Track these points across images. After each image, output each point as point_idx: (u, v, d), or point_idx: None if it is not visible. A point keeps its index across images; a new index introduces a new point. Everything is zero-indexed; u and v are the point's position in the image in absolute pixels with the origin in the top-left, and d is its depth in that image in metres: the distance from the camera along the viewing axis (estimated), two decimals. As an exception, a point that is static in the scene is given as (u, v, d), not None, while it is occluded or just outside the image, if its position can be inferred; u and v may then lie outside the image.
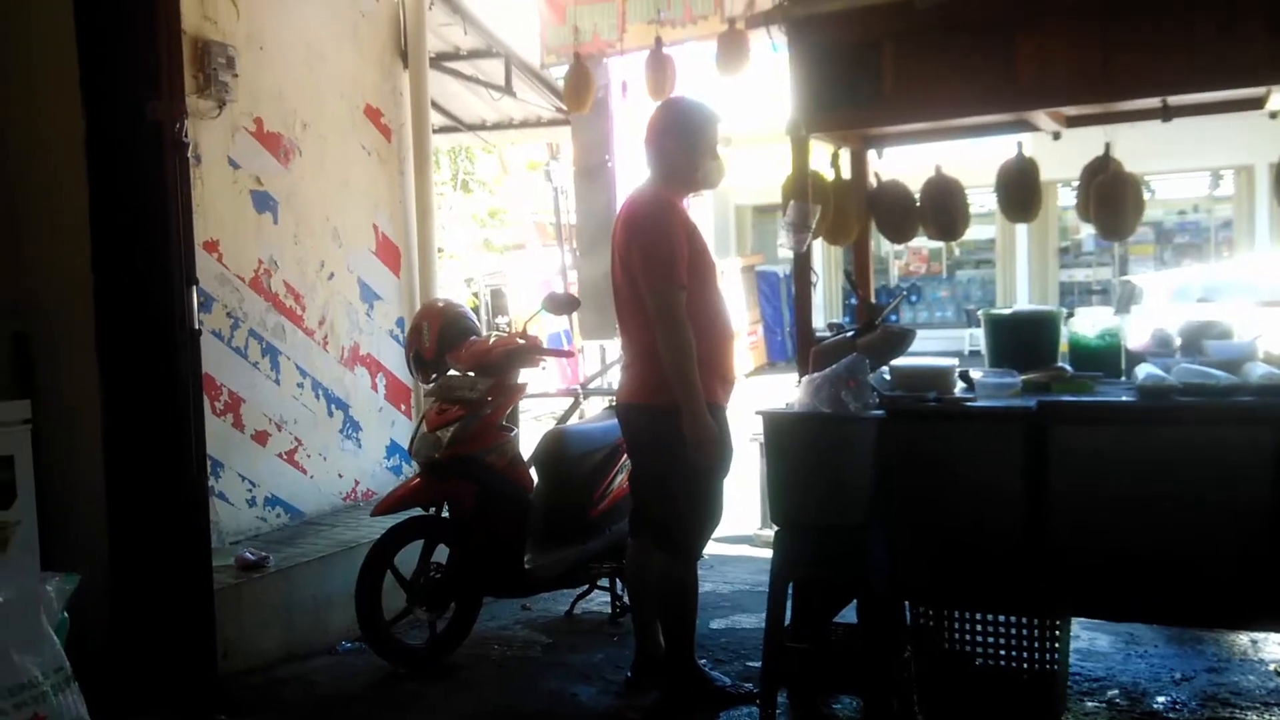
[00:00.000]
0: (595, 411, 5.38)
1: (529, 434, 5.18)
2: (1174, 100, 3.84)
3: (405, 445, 5.40)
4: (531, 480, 4.51)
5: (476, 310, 15.70)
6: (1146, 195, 4.24)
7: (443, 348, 4.48)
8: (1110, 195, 4.12)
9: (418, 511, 4.36)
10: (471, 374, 4.36)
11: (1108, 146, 4.22)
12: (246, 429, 5.14)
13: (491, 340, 4.47)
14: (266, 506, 5.25)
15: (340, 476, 5.74)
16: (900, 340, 4.08)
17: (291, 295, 5.42)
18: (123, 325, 4.00)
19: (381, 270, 6.08)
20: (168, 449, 3.95)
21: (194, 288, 3.98)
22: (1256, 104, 3.93)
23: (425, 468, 4.31)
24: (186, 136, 3.95)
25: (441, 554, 4.31)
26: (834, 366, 3.73)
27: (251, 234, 5.20)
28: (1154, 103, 3.87)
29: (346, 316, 5.80)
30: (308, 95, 5.55)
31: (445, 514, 4.38)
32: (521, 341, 4.44)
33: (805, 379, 3.81)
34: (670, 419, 3.39)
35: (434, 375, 4.56)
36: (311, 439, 5.53)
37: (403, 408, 6.22)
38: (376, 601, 4.17)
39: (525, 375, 4.59)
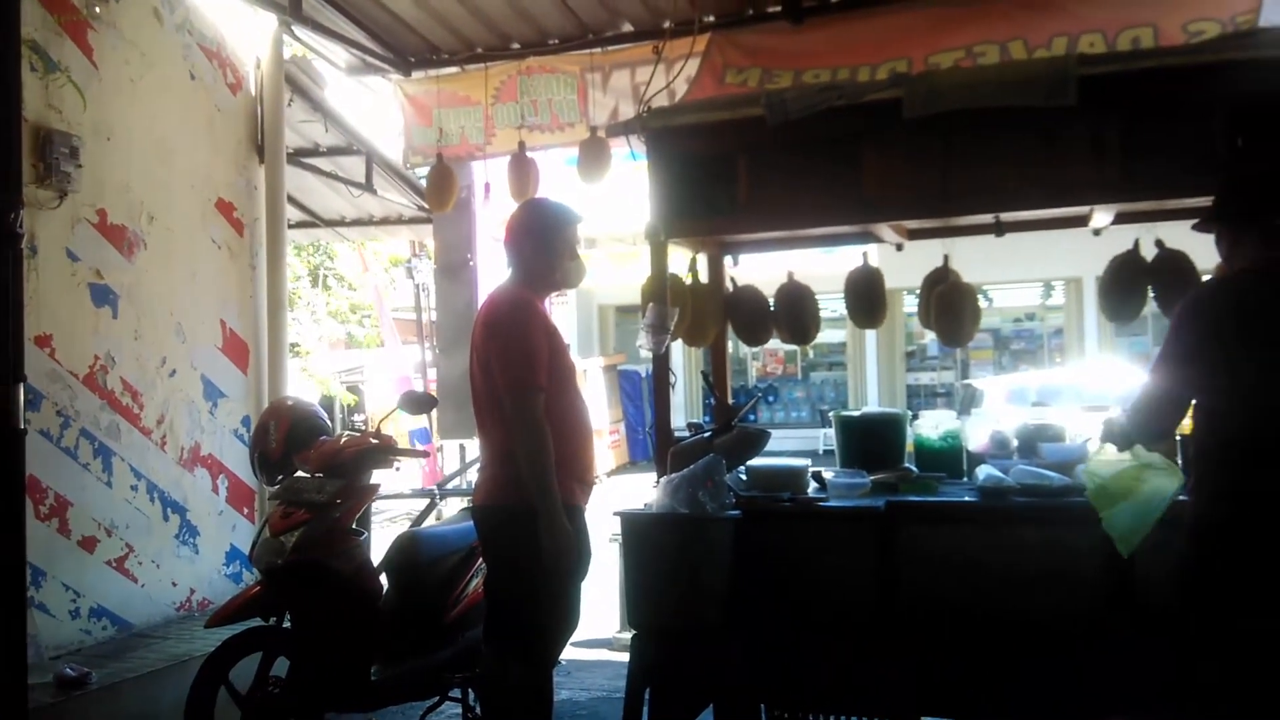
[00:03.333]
0: (454, 513, 5.24)
1: (383, 537, 5.00)
2: (1006, 217, 4.11)
3: (246, 551, 5.14)
4: (381, 586, 4.33)
5: (331, 409, 15.28)
6: (984, 304, 4.48)
7: (290, 448, 4.30)
8: (949, 304, 4.34)
9: (257, 622, 4.12)
10: (320, 475, 4.19)
11: (946, 258, 4.46)
12: (73, 534, 4.81)
13: (343, 440, 4.32)
14: (91, 618, 4.89)
15: (174, 585, 5.40)
16: (756, 441, 4.15)
17: (129, 392, 5.15)
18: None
19: (228, 367, 5.86)
20: (-19, 556, 3.64)
21: (20, 385, 3.73)
22: (1082, 221, 4.23)
23: (266, 575, 4.09)
24: (21, 227, 3.75)
25: (282, 667, 4.06)
26: (691, 467, 3.76)
27: (88, 328, 4.95)
28: (989, 218, 4.12)
29: (188, 415, 5.55)
30: (156, 187, 5.38)
31: (287, 624, 4.15)
32: (375, 441, 4.31)
33: (663, 480, 3.82)
34: (527, 522, 3.32)
35: (280, 477, 4.36)
36: (144, 545, 5.21)
37: (245, 511, 5.93)
38: (209, 720, 3.88)
39: (379, 476, 4.44)
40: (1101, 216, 4.12)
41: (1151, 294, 4.11)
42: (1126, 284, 4.08)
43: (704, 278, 4.70)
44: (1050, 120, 3.56)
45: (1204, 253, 4.04)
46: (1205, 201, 3.90)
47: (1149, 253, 4.11)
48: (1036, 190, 3.73)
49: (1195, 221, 3.19)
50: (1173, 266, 4.06)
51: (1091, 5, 4.88)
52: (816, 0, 5.41)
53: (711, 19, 5.61)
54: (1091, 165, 3.63)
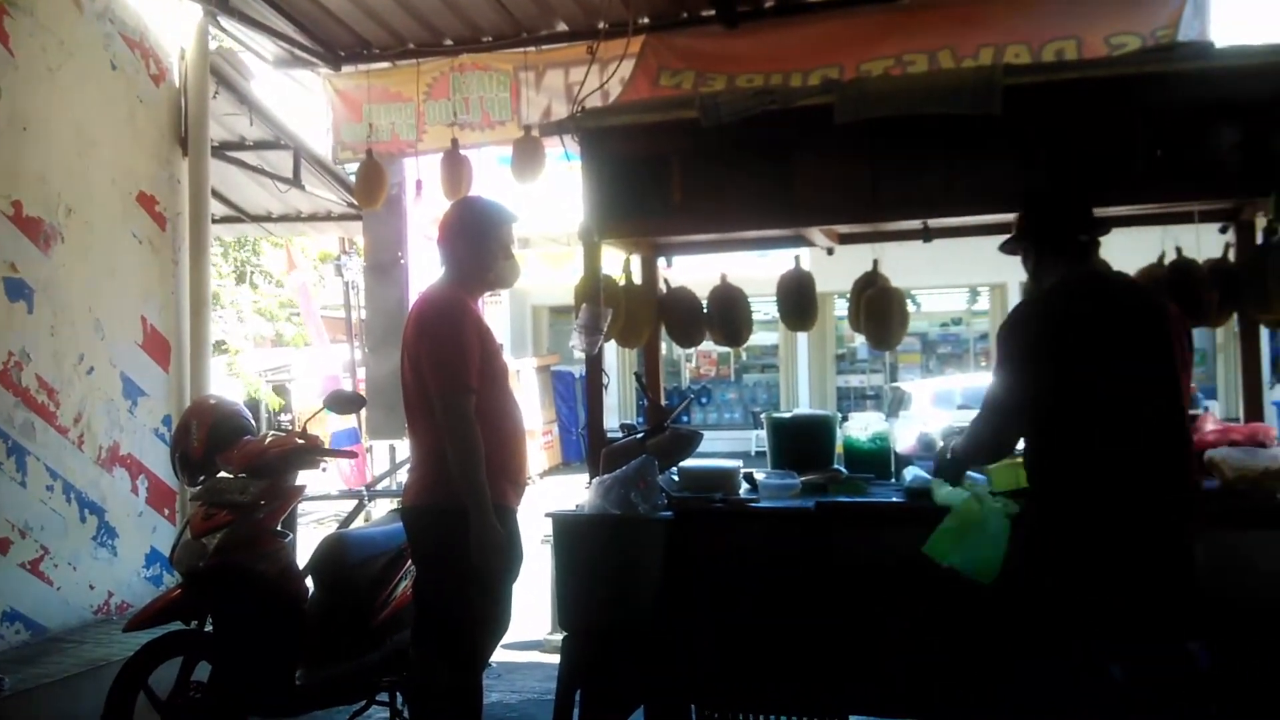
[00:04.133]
0: (383, 514, 5.17)
1: (311, 539, 4.92)
2: (934, 223, 4.18)
3: (167, 553, 5.01)
4: (306, 589, 4.25)
5: (257, 408, 14.98)
6: (912, 308, 4.55)
7: (212, 448, 4.20)
8: (878, 308, 4.41)
9: (178, 626, 4.02)
10: (243, 476, 4.11)
11: (875, 263, 4.53)
12: (-16, 536, 4.65)
13: (267, 440, 4.23)
14: (4, 622, 4.75)
15: (91, 588, 5.25)
16: (688, 442, 4.16)
17: (44, 390, 4.99)
18: None
19: (148, 365, 5.71)
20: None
21: (-74, 382, 3.60)
22: (1008, 228, 4.31)
23: (188, 577, 3.99)
24: (-72, 219, 3.62)
25: (204, 671, 3.97)
26: (624, 468, 3.76)
27: (1, 324, 4.79)
28: (918, 224, 4.19)
29: (106, 414, 5.39)
30: (75, 179, 5.23)
31: (208, 628, 4.05)
32: (300, 441, 4.24)
33: (595, 481, 3.82)
34: (457, 523, 3.29)
35: (202, 477, 4.27)
36: (60, 547, 5.05)
37: (166, 512, 5.79)
38: (126, 728, 3.78)
39: (305, 477, 4.37)
40: (1026, 223, 4.20)
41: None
42: (1049, 289, 4.17)
43: (638, 279, 4.70)
44: (977, 129, 3.62)
45: (1122, 260, 4.17)
46: (1128, 209, 4.05)
47: (1071, 259, 4.22)
48: (963, 197, 3.80)
49: (1001, 242, 3.37)
50: (1093, 273, 4.17)
51: (1017, 17, 5.00)
52: (750, 5, 5.45)
53: (646, 21, 5.62)
54: (1016, 174, 3.71)
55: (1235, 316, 4.13)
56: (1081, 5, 4.92)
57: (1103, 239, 3.54)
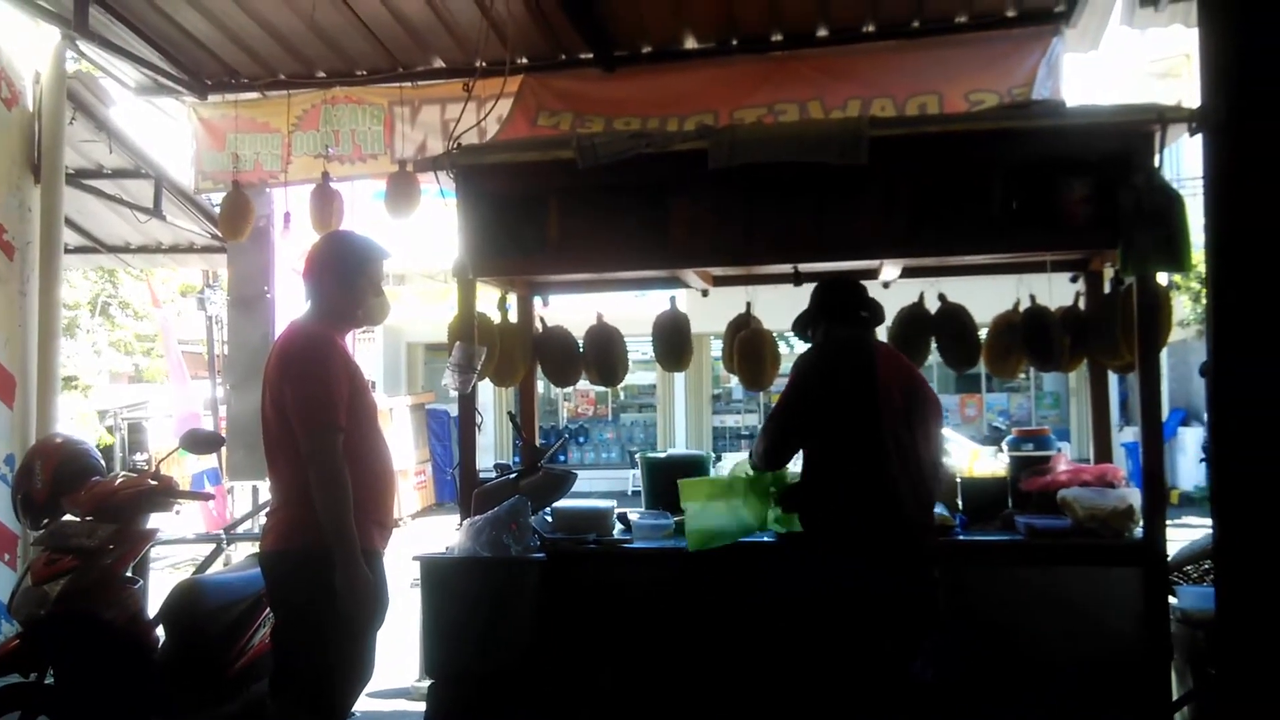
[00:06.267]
0: (244, 558, 4.95)
1: (165, 584, 4.67)
2: (805, 267, 4.28)
3: (5, 601, 4.68)
4: (157, 638, 4.04)
5: (110, 448, 14.25)
6: (784, 350, 4.64)
7: (57, 489, 3.97)
8: (751, 349, 4.48)
9: (16, 678, 3.76)
10: (90, 519, 3.89)
11: (749, 305, 4.61)
12: None
13: (117, 481, 4.03)
14: None
15: (-83, 642, 4.85)
16: (561, 482, 4.13)
17: None
18: None
19: (-10, 401, 5.36)
20: None
21: None
22: (873, 274, 4.46)
23: (27, 627, 3.75)
24: None
25: (43, 729, 3.72)
26: (496, 509, 3.71)
27: None
28: (789, 268, 4.28)
29: (-59, 453, 5.03)
30: (-87, 202, 4.90)
31: (50, 680, 3.80)
32: (153, 482, 4.04)
33: (466, 522, 3.75)
34: (319, 568, 3.16)
35: (45, 520, 4.02)
36: (-118, 597, 4.67)
37: (6, 558, 5.41)
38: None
39: (158, 520, 4.16)
40: (890, 270, 4.35)
41: (935, 344, 4.37)
42: (912, 335, 4.33)
43: (513, 317, 4.67)
44: (845, 177, 3.74)
45: (981, 306, 4.35)
46: (985, 258, 4.23)
47: (933, 306, 4.38)
48: (831, 244, 3.91)
49: (794, 321, 3.78)
50: (953, 319, 4.34)
51: (882, 72, 5.20)
52: (627, 50, 5.52)
53: (525, 61, 5.63)
54: (881, 222, 3.83)
55: (1085, 361, 4.34)
56: (943, 63, 5.15)
57: (965, 288, 3.75)
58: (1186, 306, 13.06)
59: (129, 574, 3.98)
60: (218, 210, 6.43)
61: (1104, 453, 4.45)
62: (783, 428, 3.46)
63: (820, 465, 3.40)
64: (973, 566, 3.68)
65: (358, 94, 5.98)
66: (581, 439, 18.87)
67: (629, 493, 15.53)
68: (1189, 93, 4.65)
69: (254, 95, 6.21)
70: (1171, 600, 3.68)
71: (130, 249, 8.60)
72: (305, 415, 3.23)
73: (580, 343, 4.66)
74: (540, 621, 3.61)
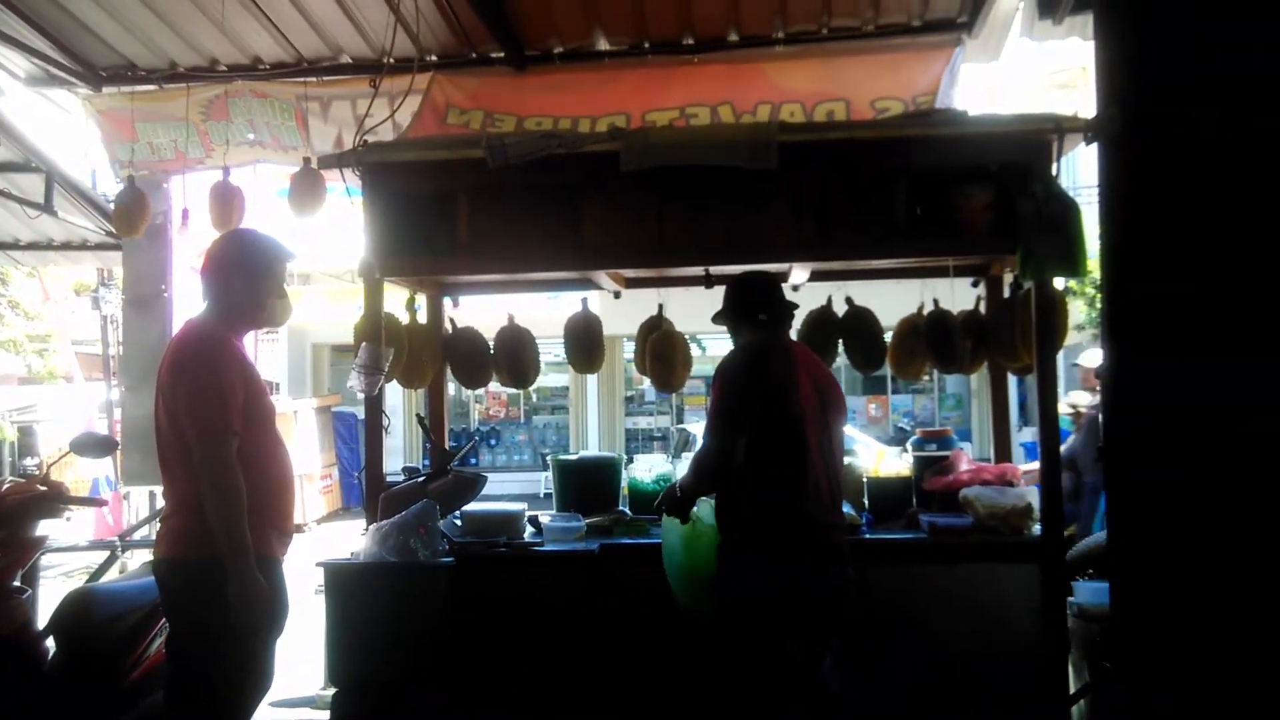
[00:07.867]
0: (139, 566, 4.78)
1: (57, 593, 4.48)
2: (716, 269, 4.31)
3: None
4: (47, 650, 3.87)
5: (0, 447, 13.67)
6: (697, 352, 4.66)
7: (-63, 496, 3.78)
8: (663, 351, 4.50)
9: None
10: (-25, 527, 3.71)
11: (660, 307, 4.63)
12: None
13: (4, 487, 3.85)
14: None
15: None
16: (471, 486, 4.09)
17: None
18: None
19: None
20: None
21: None
22: (783, 277, 4.50)
23: (-98, 643, 3.56)
24: None
25: (-82, 749, 3.54)
26: (403, 513, 3.65)
27: None
28: (701, 270, 4.30)
29: None
30: None
31: (-73, 698, 3.62)
32: (42, 488, 3.87)
33: (373, 527, 3.68)
34: (213, 575, 3.06)
35: (-77, 530, 3.82)
36: None
37: (-119, 570, 5.13)
38: None
39: (47, 527, 3.99)
40: (799, 273, 4.41)
41: (841, 347, 4.44)
42: (820, 337, 4.39)
43: (422, 318, 4.60)
44: (755, 182, 3.77)
45: (887, 310, 4.43)
46: (890, 262, 4.31)
47: (840, 309, 4.45)
48: (741, 246, 3.94)
49: (712, 315, 3.63)
50: (860, 322, 4.42)
51: (791, 77, 5.27)
52: (539, 50, 5.49)
53: (435, 58, 5.56)
54: (790, 225, 3.89)
55: (986, 364, 4.46)
56: (851, 70, 5.24)
57: (872, 292, 3.78)
58: (1082, 311, 13.50)
59: (17, 583, 3.81)
60: (112, 206, 6.20)
61: (1004, 452, 4.58)
62: (730, 426, 3.31)
63: (748, 467, 3.31)
64: (878, 565, 3.75)
65: (261, 88, 5.83)
66: (493, 441, 18.72)
67: (541, 495, 15.46)
68: (1086, 104, 4.81)
69: (151, 88, 6.01)
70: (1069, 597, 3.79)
71: (20, 245, 8.25)
72: (197, 420, 3.13)
73: (491, 344, 4.62)
74: (449, 627, 3.56)
